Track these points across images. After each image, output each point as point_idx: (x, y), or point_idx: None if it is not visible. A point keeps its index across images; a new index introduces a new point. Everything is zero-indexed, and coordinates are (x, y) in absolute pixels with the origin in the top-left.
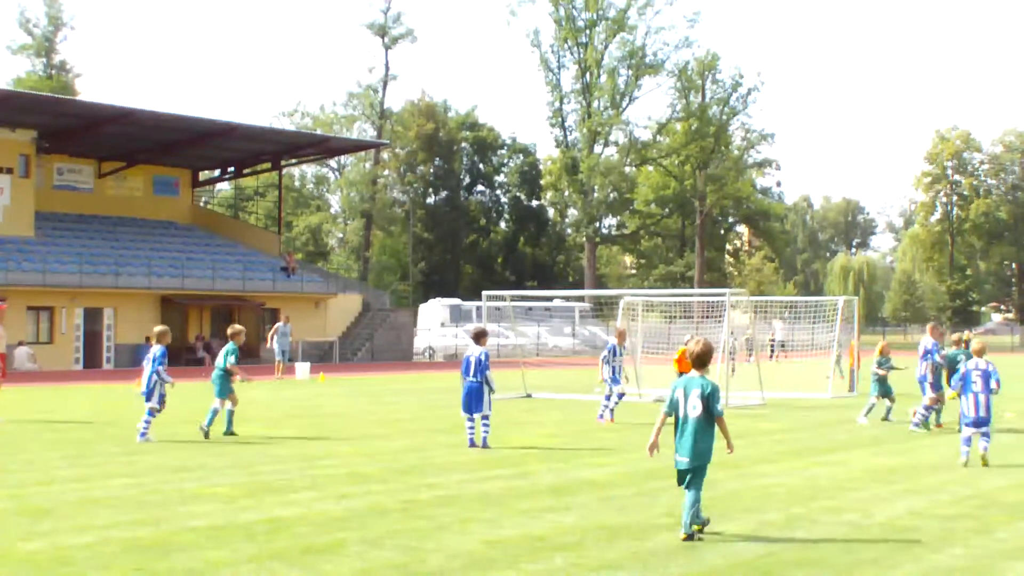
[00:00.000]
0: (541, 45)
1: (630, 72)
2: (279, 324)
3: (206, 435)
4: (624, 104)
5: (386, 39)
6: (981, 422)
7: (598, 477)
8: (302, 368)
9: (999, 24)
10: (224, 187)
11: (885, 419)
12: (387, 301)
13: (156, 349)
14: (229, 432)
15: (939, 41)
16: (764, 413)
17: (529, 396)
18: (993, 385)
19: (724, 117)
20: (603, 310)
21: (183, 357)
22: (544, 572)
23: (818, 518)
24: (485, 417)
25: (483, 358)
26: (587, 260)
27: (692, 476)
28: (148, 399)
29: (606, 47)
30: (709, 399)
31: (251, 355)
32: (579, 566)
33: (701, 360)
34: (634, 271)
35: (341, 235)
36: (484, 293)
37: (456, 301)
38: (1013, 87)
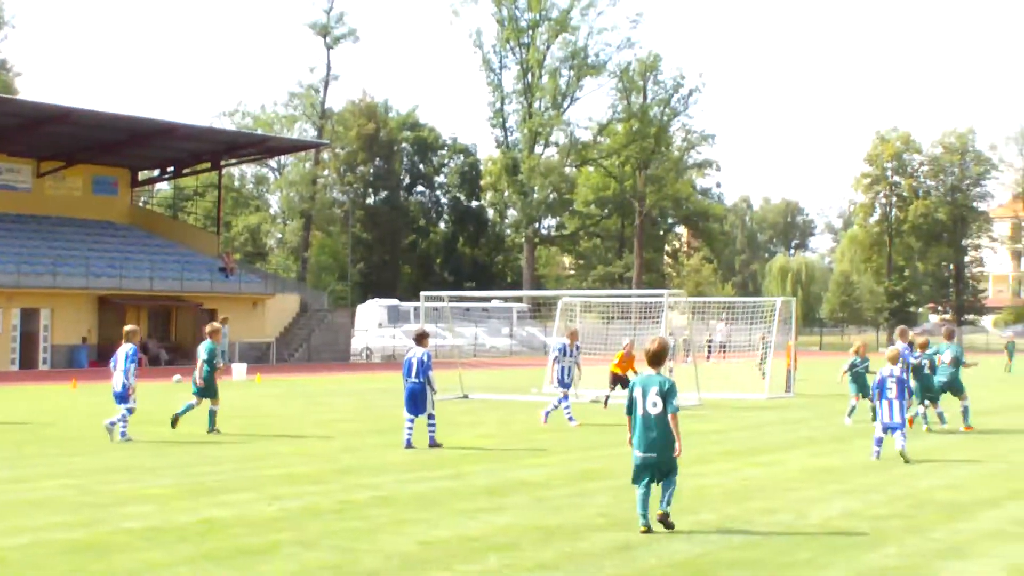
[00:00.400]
0: (483, 45)
1: (572, 73)
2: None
3: (174, 423)
4: (565, 105)
5: (328, 39)
6: (895, 427)
7: (533, 478)
8: (239, 369)
9: (939, 27)
10: (163, 187)
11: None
12: (325, 301)
13: (128, 348)
14: (213, 430)
15: (880, 43)
16: (700, 414)
17: (466, 397)
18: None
19: (665, 118)
20: (541, 311)
21: None
22: (479, 573)
23: (753, 518)
24: (430, 416)
25: (425, 359)
26: (526, 261)
27: (662, 472)
28: (124, 400)
29: (548, 48)
30: (667, 395)
31: (188, 356)
32: (514, 567)
33: (657, 358)
34: (573, 272)
35: (280, 235)
36: (422, 294)
37: (394, 302)
38: (953, 89)
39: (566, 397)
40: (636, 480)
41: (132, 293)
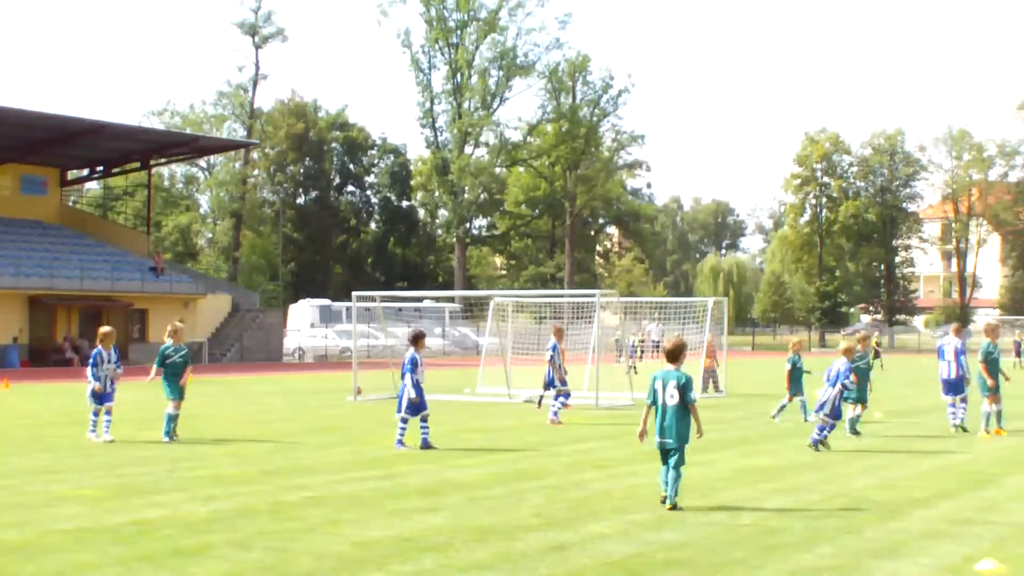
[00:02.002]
0: (412, 46)
1: (501, 73)
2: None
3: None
4: (495, 105)
5: (256, 38)
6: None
7: (467, 478)
8: None
9: (866, 28)
10: (93, 186)
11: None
12: (256, 302)
13: (96, 350)
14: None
15: (808, 44)
16: (633, 413)
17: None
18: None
19: (594, 118)
20: (473, 311)
21: (51, 358)
22: (413, 573)
23: (687, 518)
24: (423, 418)
25: (406, 362)
26: (457, 261)
27: (675, 455)
28: (106, 400)
29: (477, 48)
30: (683, 389)
31: (120, 356)
32: (448, 567)
33: (674, 355)
34: (504, 272)
35: (211, 235)
36: (354, 293)
37: (326, 302)
38: (881, 90)
39: (566, 395)
40: (664, 461)
41: (63, 293)
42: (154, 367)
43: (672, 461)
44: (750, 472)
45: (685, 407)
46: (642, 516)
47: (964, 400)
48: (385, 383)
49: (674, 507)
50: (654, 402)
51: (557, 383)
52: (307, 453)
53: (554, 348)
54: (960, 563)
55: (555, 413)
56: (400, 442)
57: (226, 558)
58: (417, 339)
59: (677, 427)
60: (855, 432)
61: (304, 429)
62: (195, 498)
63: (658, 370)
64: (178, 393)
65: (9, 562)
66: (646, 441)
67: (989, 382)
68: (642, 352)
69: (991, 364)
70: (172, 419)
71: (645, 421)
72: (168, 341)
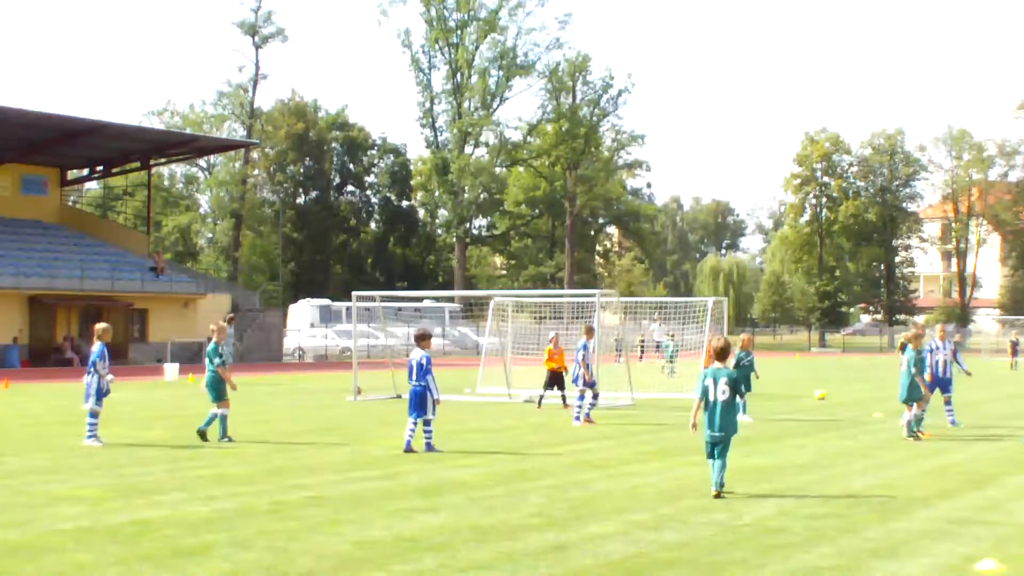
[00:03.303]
0: (412, 45)
1: (501, 73)
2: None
3: (203, 437)
4: (495, 105)
5: (256, 38)
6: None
7: (467, 478)
8: (170, 369)
9: (867, 28)
10: (93, 186)
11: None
12: (256, 301)
13: (96, 347)
14: (225, 437)
15: (808, 44)
16: (633, 413)
17: (399, 397)
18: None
19: (594, 118)
20: (473, 311)
21: (51, 358)
22: (414, 573)
23: (687, 518)
24: (426, 422)
25: (424, 362)
26: (457, 261)
27: (721, 447)
28: (97, 401)
29: (477, 48)
30: (735, 384)
31: (119, 355)
32: (449, 567)
33: (723, 353)
34: (504, 272)
35: (210, 235)
36: (354, 293)
37: (326, 301)
38: (881, 90)
39: (590, 396)
40: (709, 456)
41: (63, 293)
42: (224, 366)
43: (718, 451)
44: (750, 472)
45: (732, 402)
46: (642, 516)
47: (948, 401)
48: (385, 383)
49: (719, 495)
50: (703, 397)
51: (585, 383)
52: (307, 453)
53: (585, 347)
54: (960, 563)
55: (587, 414)
56: (429, 444)
57: (226, 558)
58: (424, 338)
59: (727, 420)
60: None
61: (304, 429)
62: (195, 498)
63: (708, 368)
64: (224, 393)
65: (9, 562)
66: (694, 432)
67: (922, 388)
68: (642, 352)
69: (919, 370)
70: (224, 419)
71: (696, 415)
72: (213, 340)
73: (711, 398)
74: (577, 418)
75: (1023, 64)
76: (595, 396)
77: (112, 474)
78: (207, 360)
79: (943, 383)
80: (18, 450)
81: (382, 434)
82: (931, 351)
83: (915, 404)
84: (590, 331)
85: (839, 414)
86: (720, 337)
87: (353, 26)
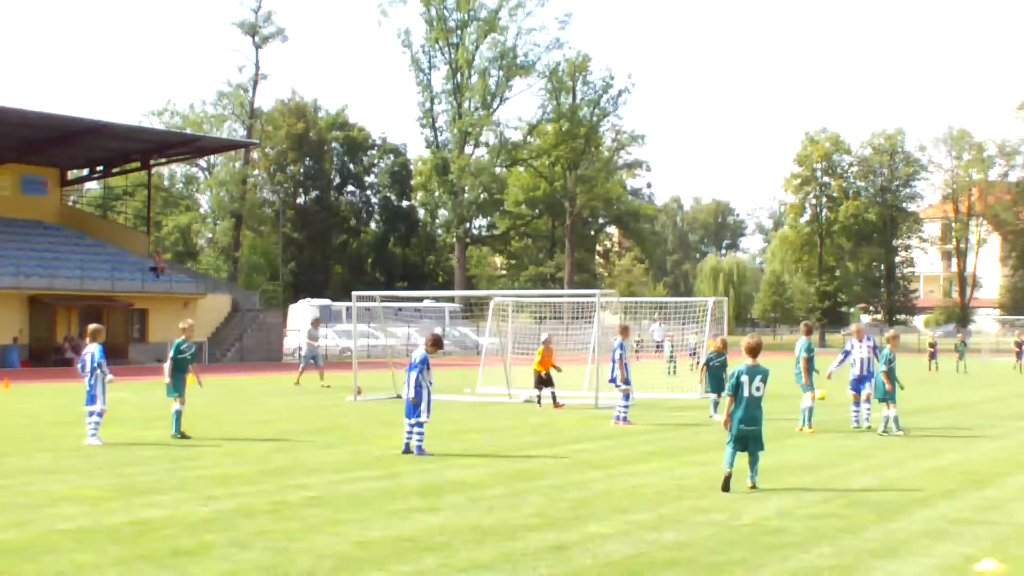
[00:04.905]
0: (412, 45)
1: (501, 73)
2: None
3: (183, 436)
4: (495, 105)
5: (256, 38)
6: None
7: (467, 478)
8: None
9: (867, 28)
10: (93, 186)
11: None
12: (256, 301)
13: (94, 348)
14: (179, 434)
15: (809, 44)
16: (633, 414)
17: (399, 397)
18: None
19: (595, 118)
20: (473, 311)
21: (51, 358)
22: (414, 573)
23: (687, 518)
24: (419, 424)
25: (416, 360)
26: (457, 261)
27: (753, 442)
28: (95, 402)
29: (477, 48)
30: (768, 381)
31: (119, 355)
32: (449, 567)
33: (755, 351)
34: (504, 272)
35: (211, 235)
36: (354, 293)
37: (326, 301)
38: (881, 90)
39: (626, 396)
40: (735, 444)
41: (63, 293)
42: (169, 361)
43: (751, 446)
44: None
45: (761, 397)
46: (642, 516)
47: (868, 400)
48: (385, 383)
49: (754, 486)
50: (735, 393)
51: (620, 383)
52: (307, 453)
53: (621, 346)
54: (960, 563)
55: (623, 416)
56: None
57: (226, 558)
58: (436, 343)
59: (758, 415)
60: (887, 431)
61: (304, 429)
62: (195, 498)
63: (741, 365)
64: (183, 390)
65: (9, 562)
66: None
67: (887, 387)
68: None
69: (891, 371)
70: (179, 415)
71: (728, 411)
72: (181, 337)
73: (744, 394)
74: (618, 417)
75: (1023, 64)
76: (626, 397)
77: (112, 474)
78: (175, 351)
79: (862, 381)
80: (18, 450)
81: (382, 434)
82: (847, 351)
83: (891, 404)
84: (625, 330)
85: (839, 414)
86: (753, 335)
87: (353, 26)
